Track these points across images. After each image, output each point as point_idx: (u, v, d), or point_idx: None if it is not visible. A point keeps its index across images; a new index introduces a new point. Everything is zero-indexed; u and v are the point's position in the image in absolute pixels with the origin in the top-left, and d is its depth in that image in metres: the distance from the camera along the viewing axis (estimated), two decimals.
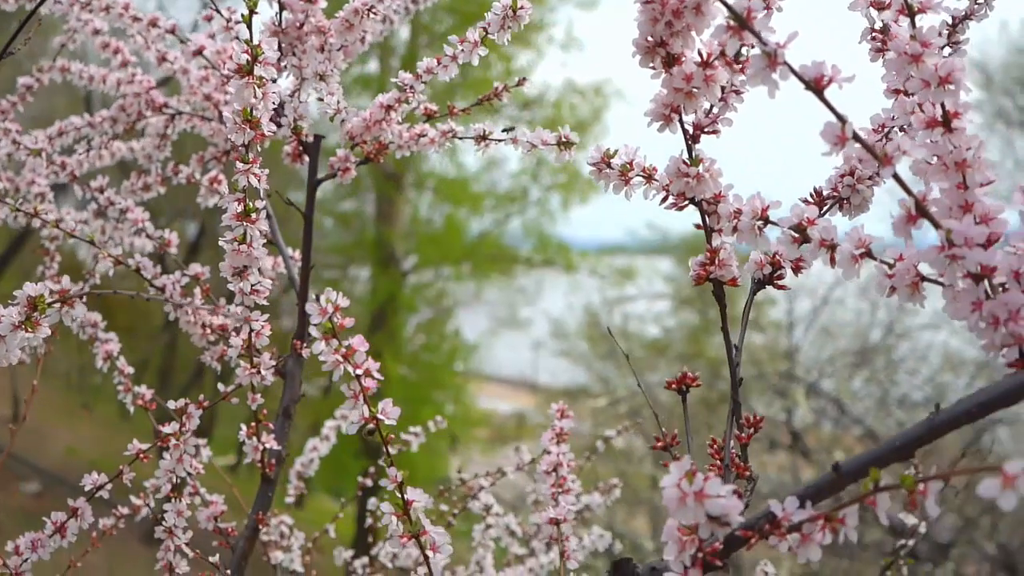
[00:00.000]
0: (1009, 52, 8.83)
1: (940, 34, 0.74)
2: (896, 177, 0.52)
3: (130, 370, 1.12)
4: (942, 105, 0.55)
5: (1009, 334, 0.52)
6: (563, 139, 0.88)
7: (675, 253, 10.88)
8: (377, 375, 0.65)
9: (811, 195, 0.71)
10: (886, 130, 0.71)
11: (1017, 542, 6.01)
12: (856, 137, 0.52)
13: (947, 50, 0.74)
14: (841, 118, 0.52)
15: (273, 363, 0.93)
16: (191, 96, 1.19)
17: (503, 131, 0.94)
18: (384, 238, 11.03)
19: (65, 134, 1.22)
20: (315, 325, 0.63)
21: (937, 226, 0.52)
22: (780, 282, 0.70)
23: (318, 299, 0.63)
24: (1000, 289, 0.54)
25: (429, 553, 0.66)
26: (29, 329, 0.68)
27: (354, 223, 11.57)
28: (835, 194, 0.70)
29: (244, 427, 0.99)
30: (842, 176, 0.70)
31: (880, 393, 7.26)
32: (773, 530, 0.54)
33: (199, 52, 1.07)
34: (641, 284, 10.88)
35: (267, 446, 1.00)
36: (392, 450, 0.80)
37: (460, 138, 0.99)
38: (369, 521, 1.37)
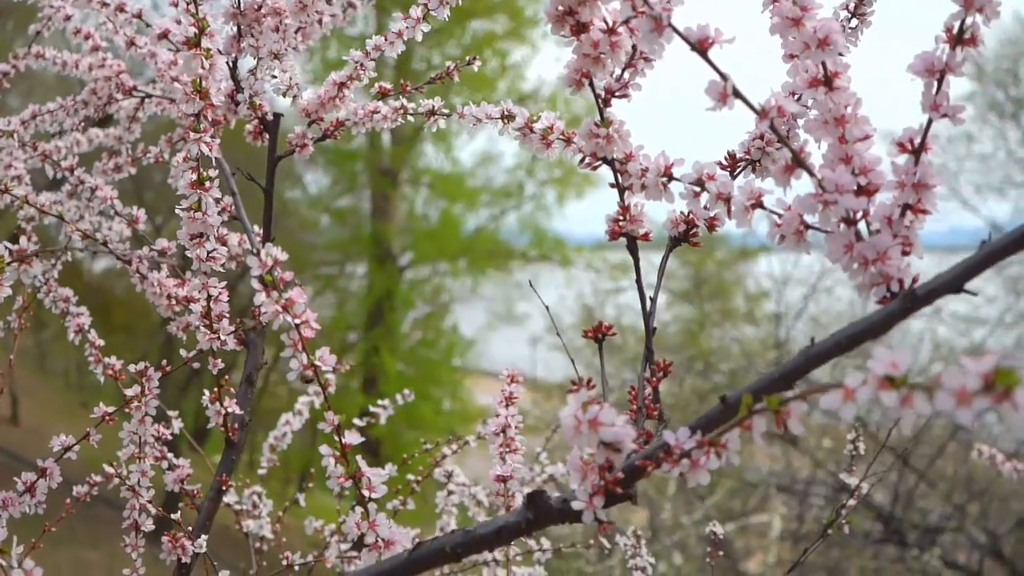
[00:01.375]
0: (1001, 44, 8.86)
1: (847, 7, 0.79)
2: (773, 129, 0.57)
3: (100, 342, 1.17)
4: (823, 65, 0.60)
5: (877, 273, 0.56)
6: (506, 113, 0.92)
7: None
8: (315, 325, 0.69)
9: (725, 158, 0.75)
10: (796, 96, 0.75)
11: (1005, 528, 6.07)
12: (736, 93, 0.56)
13: (854, 21, 0.78)
14: (724, 76, 0.56)
15: (232, 328, 0.97)
16: (160, 79, 1.24)
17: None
18: (380, 234, 11.07)
19: (38, 117, 1.26)
20: (255, 277, 0.68)
21: (812, 175, 0.57)
22: (695, 240, 0.74)
23: (259, 253, 0.68)
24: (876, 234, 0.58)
25: (365, 492, 0.71)
26: None
27: (350, 220, 11.62)
28: (747, 156, 0.75)
29: (207, 392, 1.04)
30: (753, 139, 0.74)
31: None
32: (667, 458, 0.58)
33: (164, 36, 1.12)
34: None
35: (230, 411, 1.04)
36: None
37: (411, 114, 1.04)
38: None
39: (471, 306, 12.17)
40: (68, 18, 1.27)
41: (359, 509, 0.71)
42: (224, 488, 1.07)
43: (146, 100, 1.28)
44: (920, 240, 0.58)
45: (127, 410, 0.99)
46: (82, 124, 1.27)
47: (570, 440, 0.56)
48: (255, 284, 0.68)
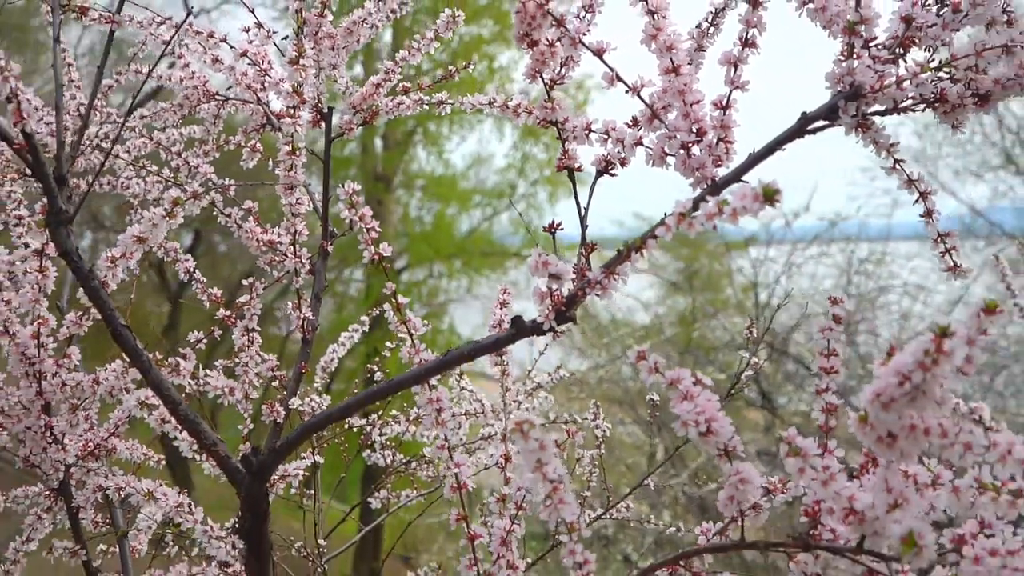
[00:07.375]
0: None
1: (707, 17, 1.23)
2: (640, 98, 1.01)
3: (203, 280, 1.60)
4: (671, 60, 1.04)
5: (700, 176, 1.01)
6: (492, 100, 1.37)
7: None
8: (377, 229, 1.14)
9: (631, 119, 1.19)
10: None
11: None
12: (618, 77, 1.00)
13: (712, 28, 1.23)
14: (611, 68, 1.01)
15: (310, 255, 1.42)
16: (236, 86, 1.67)
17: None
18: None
19: (146, 117, 1.70)
20: (342, 200, 1.12)
21: (662, 122, 1.01)
22: (613, 172, 1.18)
23: (344, 184, 1.12)
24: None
25: (412, 331, 1.15)
26: (171, 217, 1.16)
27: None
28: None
29: (289, 304, 1.48)
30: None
31: (849, 355, 7.80)
32: (589, 286, 1.02)
33: (244, 54, 1.56)
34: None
35: (307, 316, 1.48)
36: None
37: (427, 104, 1.49)
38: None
39: (467, 306, 12.56)
40: (166, 43, 1.71)
41: (408, 343, 1.15)
42: (303, 371, 1.51)
43: (226, 102, 1.72)
44: (731, 155, 1.02)
45: (233, 315, 1.43)
46: (180, 120, 1.71)
47: (533, 273, 1.00)
48: (341, 204, 1.12)
